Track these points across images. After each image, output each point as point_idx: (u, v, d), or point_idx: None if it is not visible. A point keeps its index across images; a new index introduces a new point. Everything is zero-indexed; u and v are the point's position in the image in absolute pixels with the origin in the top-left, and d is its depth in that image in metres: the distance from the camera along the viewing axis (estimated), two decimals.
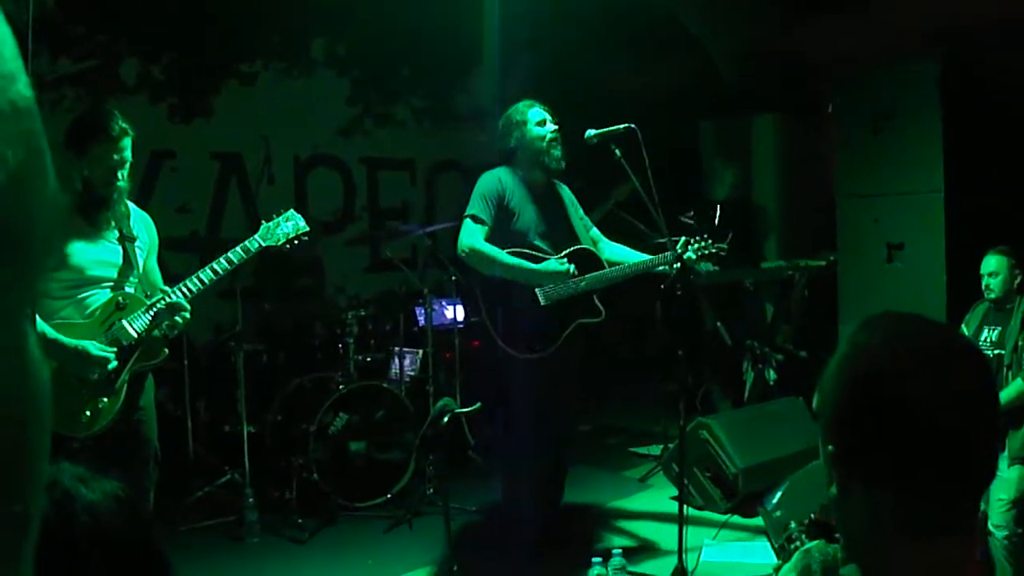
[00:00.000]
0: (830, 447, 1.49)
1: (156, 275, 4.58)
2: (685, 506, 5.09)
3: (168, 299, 4.27)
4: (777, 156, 9.31)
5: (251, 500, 6.10)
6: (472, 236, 5.25)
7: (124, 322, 4.15)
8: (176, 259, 7.47)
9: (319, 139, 9.39)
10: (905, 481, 1.38)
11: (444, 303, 8.03)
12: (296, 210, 8.47)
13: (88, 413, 4.01)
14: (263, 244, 4.56)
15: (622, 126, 5.18)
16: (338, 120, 9.58)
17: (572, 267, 5.31)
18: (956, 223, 6.55)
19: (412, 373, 7.58)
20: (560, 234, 5.53)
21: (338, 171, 9.60)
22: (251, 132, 8.58)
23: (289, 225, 4.69)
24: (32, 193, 0.58)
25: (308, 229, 4.75)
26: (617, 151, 5.22)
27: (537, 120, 5.45)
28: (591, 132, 5.28)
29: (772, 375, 7.81)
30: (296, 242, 4.70)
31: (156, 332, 4.29)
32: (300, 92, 9.21)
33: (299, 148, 9.23)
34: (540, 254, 5.34)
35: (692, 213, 7.45)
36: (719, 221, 6.93)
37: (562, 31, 9.03)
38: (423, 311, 7.45)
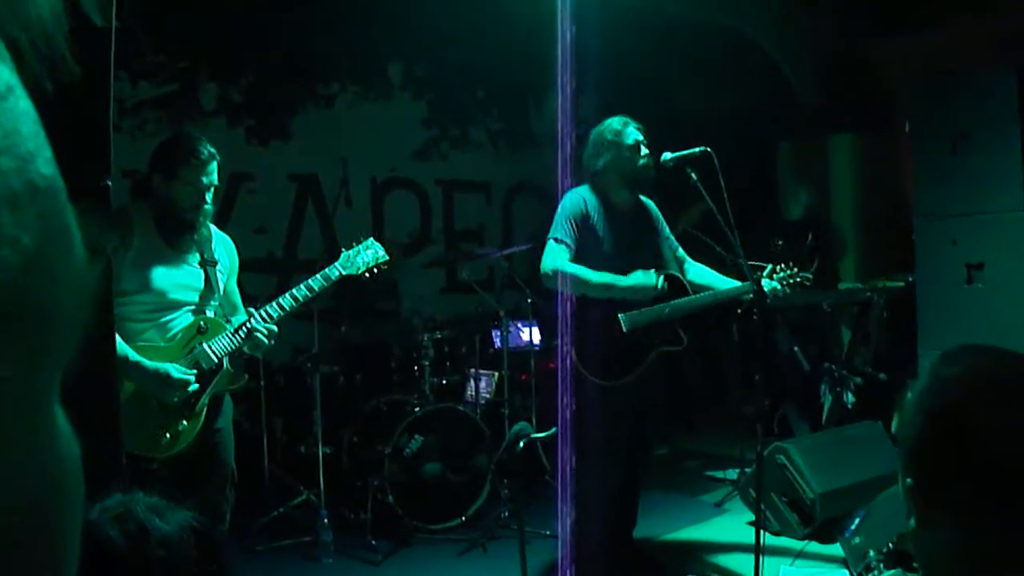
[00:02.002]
0: (909, 480, 1.47)
1: (236, 297, 4.64)
2: (762, 532, 5.03)
3: (250, 324, 4.31)
4: (854, 175, 9.21)
5: (326, 521, 6.13)
6: (556, 258, 5.16)
7: (205, 346, 4.20)
8: (253, 280, 7.55)
9: (396, 161, 9.45)
10: (985, 514, 1.36)
11: (520, 325, 8.01)
12: (373, 232, 8.57)
13: (168, 435, 4.05)
14: (343, 272, 4.59)
15: (698, 149, 5.13)
16: (414, 142, 9.64)
17: (661, 279, 5.22)
18: None
19: (488, 395, 7.58)
20: (645, 255, 5.42)
21: (415, 193, 9.64)
22: (328, 154, 8.67)
23: (369, 254, 4.71)
24: (53, 274, 0.58)
25: (388, 258, 4.77)
26: (693, 174, 5.17)
27: (630, 143, 5.34)
28: (667, 155, 5.24)
29: (850, 398, 7.70)
30: (376, 271, 4.73)
31: (242, 352, 4.34)
32: (377, 114, 9.29)
33: (376, 170, 9.29)
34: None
35: (781, 243, 7.37)
36: (808, 249, 6.87)
37: (637, 53, 9.03)
38: (499, 333, 7.45)
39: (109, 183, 2.52)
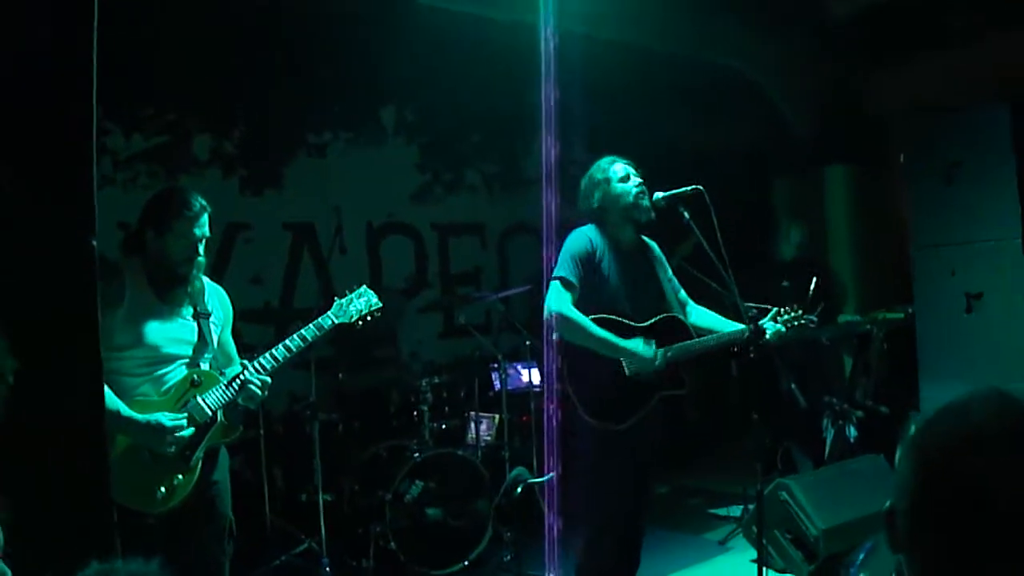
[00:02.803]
0: (903, 532, 1.45)
1: (231, 347, 4.62)
2: (766, 569, 4.99)
3: (243, 376, 4.29)
4: (849, 208, 9.23)
5: (328, 569, 6.11)
6: (560, 301, 5.04)
7: (199, 399, 4.18)
8: (250, 330, 7.55)
9: (391, 206, 9.45)
10: (971, 569, 1.34)
11: (519, 366, 8.00)
12: (370, 278, 8.58)
13: (163, 490, 4.03)
14: (336, 321, 4.58)
15: (690, 188, 5.12)
16: (408, 187, 9.65)
17: (660, 355, 5.13)
18: None
19: (488, 438, 7.55)
20: (648, 298, 5.36)
21: (410, 238, 9.64)
22: (323, 202, 8.70)
23: (362, 302, 4.70)
24: None
25: (381, 305, 4.75)
26: (686, 213, 5.16)
27: (620, 176, 5.29)
28: (659, 195, 5.22)
29: (853, 432, 7.67)
30: (369, 319, 4.71)
31: (236, 404, 4.32)
32: (370, 160, 9.29)
33: (372, 216, 9.29)
34: (627, 320, 5.17)
35: (787, 283, 7.34)
36: (814, 290, 6.84)
37: (630, 91, 9.06)
38: (498, 376, 7.44)
39: (94, 243, 2.51)
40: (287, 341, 4.41)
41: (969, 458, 1.38)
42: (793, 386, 6.20)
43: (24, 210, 2.42)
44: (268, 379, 4.37)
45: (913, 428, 1.48)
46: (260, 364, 4.32)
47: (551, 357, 5.31)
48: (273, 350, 4.38)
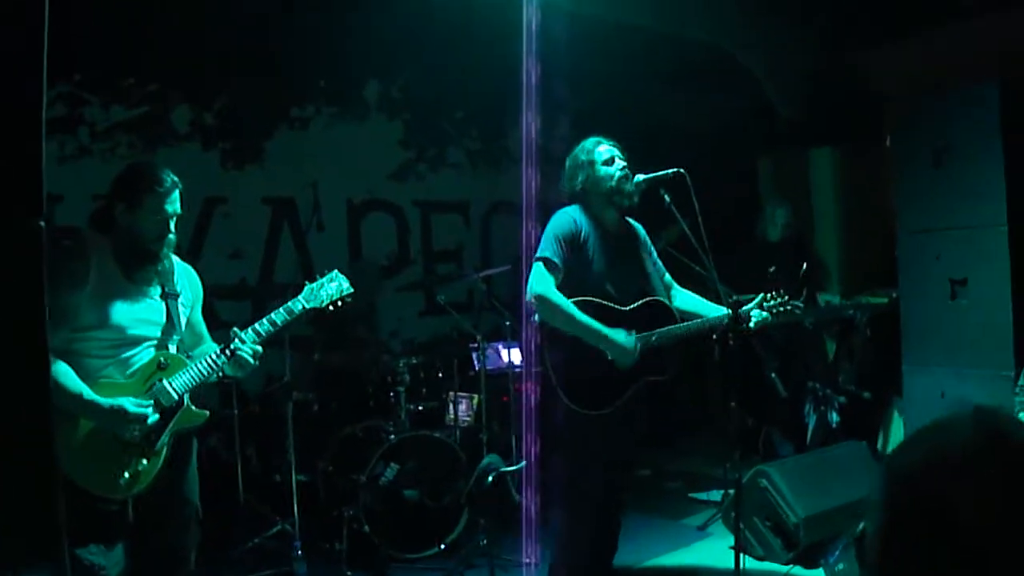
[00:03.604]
0: (872, 553, 1.38)
1: (202, 327, 4.52)
2: (744, 556, 4.94)
3: (234, 344, 4.20)
4: (835, 190, 9.14)
5: (300, 552, 6.03)
6: (543, 283, 4.97)
7: (165, 382, 4.07)
8: (227, 307, 7.46)
9: (373, 183, 9.37)
10: None
11: (500, 346, 7.92)
12: (350, 255, 8.50)
13: (127, 475, 3.93)
14: (307, 306, 4.48)
15: (670, 171, 5.05)
16: (391, 164, 9.56)
17: (638, 348, 5.03)
18: (1022, 257, 6.32)
19: (468, 418, 7.49)
20: (633, 280, 5.30)
21: (392, 215, 9.56)
22: (303, 177, 8.62)
23: (333, 287, 4.59)
24: None
25: (352, 291, 4.64)
26: (667, 196, 5.08)
27: (604, 159, 5.22)
28: (639, 178, 5.15)
29: (835, 417, 7.62)
30: (340, 304, 4.61)
31: (203, 387, 4.23)
32: (353, 136, 9.22)
33: (352, 192, 9.21)
34: (610, 303, 5.11)
35: (773, 268, 7.25)
36: (801, 276, 6.77)
37: (614, 69, 8.95)
38: (478, 356, 7.36)
39: (42, 224, 2.41)
40: (256, 325, 4.31)
41: (935, 478, 1.31)
42: (774, 375, 6.13)
43: None
44: (259, 348, 4.29)
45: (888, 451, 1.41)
46: (229, 350, 4.21)
47: (531, 339, 5.23)
48: (243, 332, 4.28)
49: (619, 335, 5.00)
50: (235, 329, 4.28)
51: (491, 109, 9.88)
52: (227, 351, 4.21)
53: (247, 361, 4.24)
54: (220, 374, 4.28)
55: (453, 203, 10.01)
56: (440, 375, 7.69)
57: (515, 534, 6.50)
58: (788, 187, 9.25)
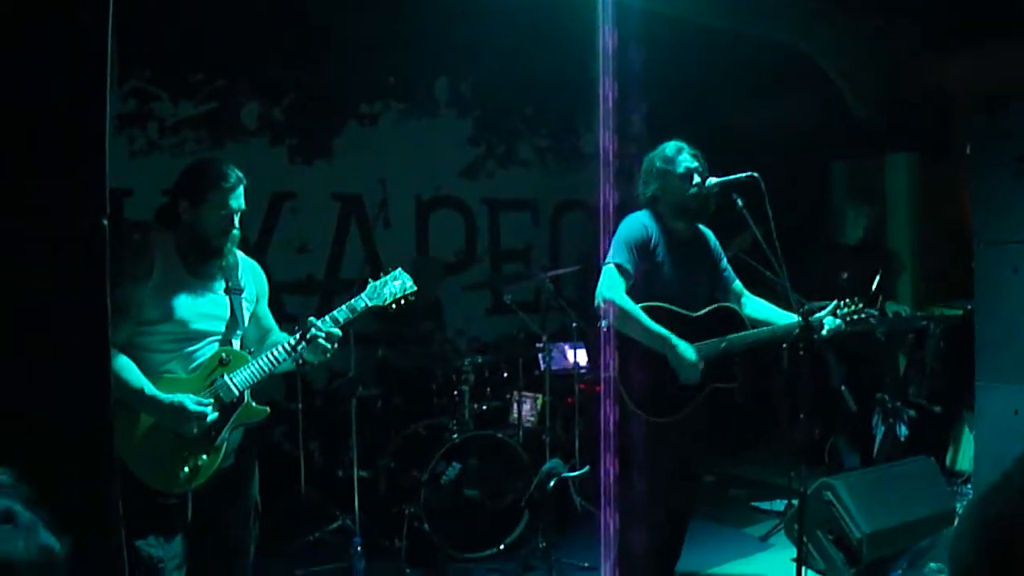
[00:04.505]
0: None
1: (269, 320, 4.50)
2: (806, 569, 4.85)
3: (312, 331, 4.19)
4: (910, 197, 8.98)
5: (359, 548, 6.01)
6: (613, 287, 4.92)
7: (227, 378, 4.06)
8: (294, 301, 7.49)
9: (441, 180, 9.37)
10: None
11: (565, 347, 7.88)
12: (417, 252, 8.49)
13: (187, 470, 3.93)
14: (369, 304, 4.45)
15: (744, 175, 4.95)
16: (460, 160, 9.55)
17: (701, 365, 4.95)
18: None
19: (532, 419, 7.45)
20: (701, 287, 5.25)
21: (460, 212, 9.54)
22: (372, 173, 8.66)
23: (396, 285, 4.55)
24: None
25: (415, 290, 4.60)
26: (739, 200, 4.99)
27: (681, 172, 5.11)
28: (711, 180, 5.06)
29: (903, 431, 7.47)
30: (403, 302, 4.58)
31: (265, 384, 4.21)
32: (422, 132, 9.22)
33: (421, 189, 9.22)
34: (679, 309, 5.05)
35: (846, 275, 7.12)
36: (876, 284, 6.65)
37: (689, 68, 8.87)
38: (544, 356, 7.32)
39: (105, 223, 2.41)
40: (318, 321, 4.28)
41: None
42: (844, 388, 6.02)
43: (27, 192, 2.33)
44: (338, 331, 4.27)
45: (968, 504, 1.33)
46: (289, 344, 4.20)
47: (598, 343, 5.16)
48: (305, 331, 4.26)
49: (686, 349, 4.93)
50: (311, 318, 4.25)
51: (561, 106, 9.86)
52: (305, 336, 4.18)
53: (324, 345, 4.21)
54: (300, 360, 4.26)
55: (522, 201, 9.97)
56: (505, 375, 7.65)
57: (575, 537, 6.46)
58: (862, 192, 9.10)
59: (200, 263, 4.12)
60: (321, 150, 8.66)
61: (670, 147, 5.21)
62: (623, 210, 5.29)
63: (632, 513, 5.21)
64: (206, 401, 3.96)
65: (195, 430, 3.93)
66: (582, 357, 7.62)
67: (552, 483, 5.54)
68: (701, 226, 5.37)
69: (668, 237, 5.15)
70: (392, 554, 6.30)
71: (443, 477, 6.44)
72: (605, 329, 5.00)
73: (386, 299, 4.49)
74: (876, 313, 5.30)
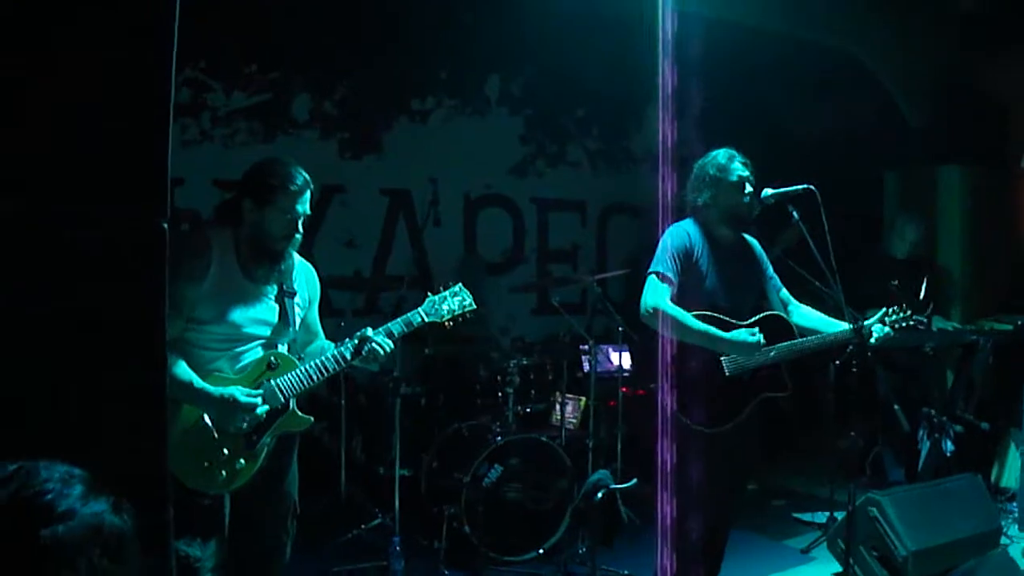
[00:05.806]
0: None
1: (317, 326, 4.49)
2: None
3: (370, 337, 4.20)
4: (962, 209, 8.86)
5: (398, 548, 6.00)
6: (657, 296, 4.87)
7: (274, 383, 4.04)
8: (340, 295, 7.49)
9: (490, 178, 9.35)
10: None
11: (610, 349, 7.83)
12: (465, 250, 8.48)
13: (225, 473, 3.90)
14: (426, 320, 4.44)
15: (801, 187, 4.90)
16: (510, 159, 9.53)
17: (761, 337, 4.92)
18: None
19: (573, 421, 7.40)
20: (747, 295, 5.20)
21: (508, 211, 9.52)
22: (421, 169, 8.65)
23: (455, 301, 4.53)
24: None
25: (475, 307, 4.57)
26: (795, 213, 4.94)
27: (733, 182, 5.04)
28: (768, 192, 5.00)
29: (950, 446, 7.37)
30: (461, 319, 4.56)
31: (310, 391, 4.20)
32: (472, 130, 9.21)
33: (470, 186, 9.21)
34: (725, 317, 4.98)
35: (896, 283, 7.04)
36: (925, 291, 6.57)
37: (741, 73, 8.80)
38: (588, 359, 7.27)
39: (166, 225, 2.41)
40: (372, 333, 4.25)
41: None
42: (897, 407, 5.92)
43: (92, 196, 2.34)
44: (391, 345, 4.27)
45: None
46: (340, 354, 4.18)
47: (663, 359, 5.11)
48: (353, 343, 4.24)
49: (741, 334, 4.89)
50: (367, 330, 4.24)
51: (613, 109, 9.83)
52: (365, 344, 4.19)
53: (377, 352, 4.21)
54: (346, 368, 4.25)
55: (571, 202, 9.93)
56: (549, 377, 7.60)
57: (619, 544, 6.40)
58: (914, 203, 9.00)
59: (258, 266, 4.08)
60: (371, 145, 8.67)
61: (722, 154, 5.15)
62: (678, 214, 5.24)
63: (679, 523, 5.16)
64: (255, 393, 3.95)
65: (243, 425, 3.92)
66: (626, 360, 7.57)
67: (600, 494, 5.49)
68: (746, 235, 5.33)
69: (712, 246, 5.10)
70: (431, 555, 6.29)
71: (485, 479, 6.39)
72: (653, 337, 4.95)
73: (443, 316, 4.48)
74: (924, 320, 5.22)
